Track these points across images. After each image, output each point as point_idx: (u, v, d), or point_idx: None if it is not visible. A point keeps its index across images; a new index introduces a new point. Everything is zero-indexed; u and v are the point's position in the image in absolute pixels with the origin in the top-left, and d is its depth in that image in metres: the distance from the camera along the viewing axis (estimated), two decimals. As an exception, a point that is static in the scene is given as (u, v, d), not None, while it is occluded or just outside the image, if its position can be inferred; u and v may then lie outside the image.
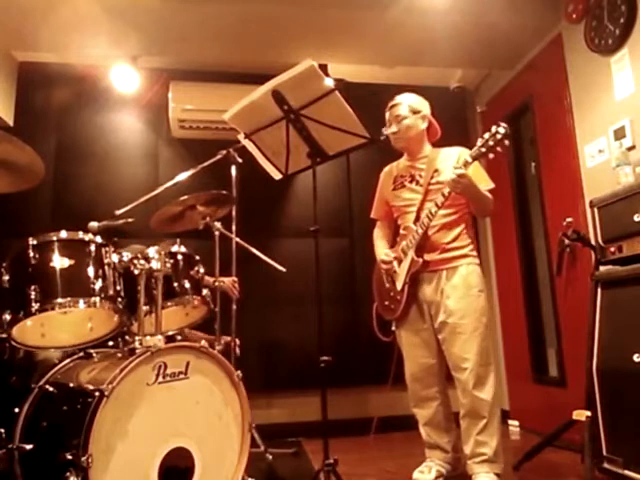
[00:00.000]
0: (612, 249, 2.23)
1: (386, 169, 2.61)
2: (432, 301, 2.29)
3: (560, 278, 3.08)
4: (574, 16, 2.94)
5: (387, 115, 2.47)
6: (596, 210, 2.32)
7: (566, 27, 3.06)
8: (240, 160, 2.90)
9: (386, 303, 2.43)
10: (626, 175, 2.40)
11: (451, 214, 2.32)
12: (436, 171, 2.35)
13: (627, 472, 1.99)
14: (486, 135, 2.10)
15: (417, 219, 2.32)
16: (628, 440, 2.02)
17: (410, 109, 2.41)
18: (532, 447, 2.47)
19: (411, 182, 2.43)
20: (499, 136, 2.06)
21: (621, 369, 2.07)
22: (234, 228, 2.88)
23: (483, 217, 2.49)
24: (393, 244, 2.52)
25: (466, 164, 2.13)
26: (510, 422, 3.57)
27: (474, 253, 2.35)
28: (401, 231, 2.46)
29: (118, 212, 2.69)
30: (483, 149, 2.10)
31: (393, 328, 2.43)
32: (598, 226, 2.31)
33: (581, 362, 2.30)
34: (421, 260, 2.27)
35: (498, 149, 2.07)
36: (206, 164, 2.84)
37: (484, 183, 2.28)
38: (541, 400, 3.32)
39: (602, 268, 2.33)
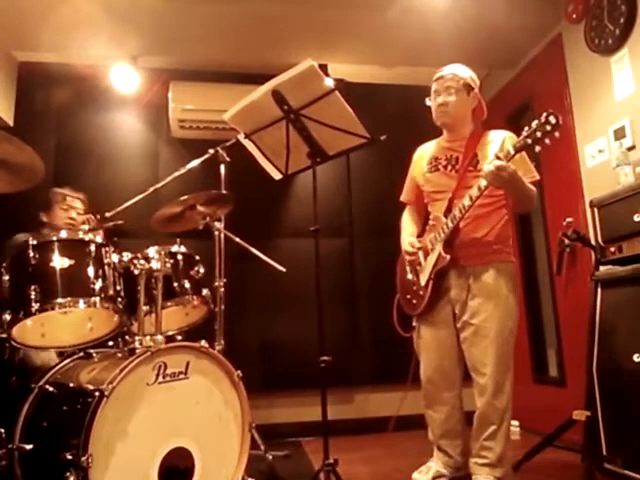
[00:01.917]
0: (612, 249, 2.23)
1: (420, 149, 2.43)
2: (458, 299, 2.15)
3: (560, 278, 3.07)
4: (574, 16, 2.94)
5: (434, 85, 2.27)
6: (596, 210, 2.32)
7: (566, 27, 3.06)
8: (228, 159, 2.90)
9: (408, 297, 2.30)
10: (626, 175, 2.41)
11: (487, 205, 2.14)
12: (475, 156, 2.17)
13: (627, 472, 1.99)
14: (534, 124, 1.87)
15: (448, 210, 2.15)
16: (628, 440, 2.02)
17: (463, 83, 2.22)
18: (532, 447, 2.47)
19: (446, 166, 2.24)
20: (549, 127, 1.83)
21: (621, 369, 2.07)
22: (222, 225, 2.87)
23: (523, 212, 2.24)
24: (422, 232, 2.37)
25: (507, 156, 1.91)
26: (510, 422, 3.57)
27: (509, 250, 2.19)
28: (430, 220, 2.28)
29: (109, 214, 2.70)
30: (529, 140, 1.87)
31: (414, 324, 2.30)
32: (598, 226, 2.31)
33: (581, 362, 2.30)
34: (448, 257, 2.11)
35: (547, 141, 1.85)
36: (194, 164, 2.83)
37: (528, 175, 2.08)
38: (541, 400, 3.31)
39: (602, 268, 2.33)
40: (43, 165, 2.02)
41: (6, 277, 1.94)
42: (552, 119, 1.83)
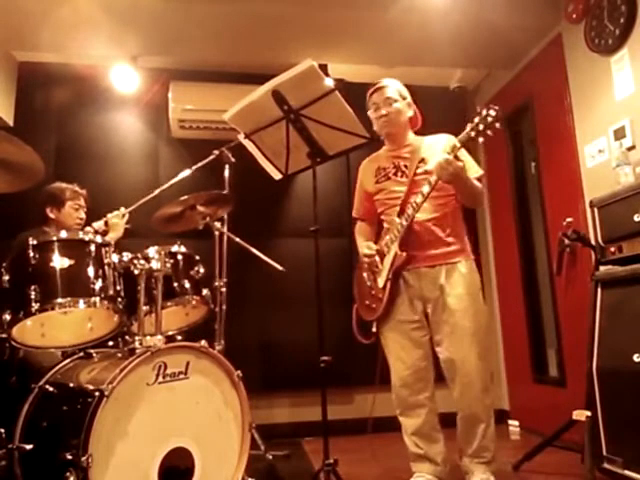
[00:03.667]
0: (612, 249, 2.23)
1: (365, 163, 2.48)
2: (429, 298, 2.17)
3: (560, 278, 3.08)
4: (574, 16, 2.94)
5: (372, 98, 2.33)
6: (596, 210, 2.32)
7: (566, 27, 3.06)
8: (233, 160, 2.91)
9: (367, 302, 2.30)
10: (626, 175, 2.41)
11: (442, 206, 2.20)
12: (422, 160, 2.23)
13: (627, 472, 1.99)
14: (476, 119, 1.98)
15: (402, 212, 2.19)
16: (628, 440, 2.02)
17: (399, 93, 2.31)
18: (532, 447, 2.47)
19: (396, 173, 2.30)
20: (490, 119, 1.94)
21: (621, 369, 2.07)
22: (225, 225, 2.88)
23: (474, 207, 2.33)
24: (377, 242, 2.38)
25: (454, 149, 2.01)
26: (510, 422, 3.57)
27: (469, 248, 2.25)
28: (385, 226, 2.33)
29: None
30: (473, 133, 1.98)
31: (374, 329, 2.28)
32: (598, 226, 2.31)
33: (581, 362, 2.30)
34: (405, 254, 2.15)
35: (489, 132, 1.96)
36: (200, 165, 2.85)
37: (473, 170, 2.18)
38: (541, 400, 3.32)
39: (602, 268, 2.33)
40: (43, 165, 2.03)
41: (6, 277, 1.94)
42: (492, 112, 1.94)
